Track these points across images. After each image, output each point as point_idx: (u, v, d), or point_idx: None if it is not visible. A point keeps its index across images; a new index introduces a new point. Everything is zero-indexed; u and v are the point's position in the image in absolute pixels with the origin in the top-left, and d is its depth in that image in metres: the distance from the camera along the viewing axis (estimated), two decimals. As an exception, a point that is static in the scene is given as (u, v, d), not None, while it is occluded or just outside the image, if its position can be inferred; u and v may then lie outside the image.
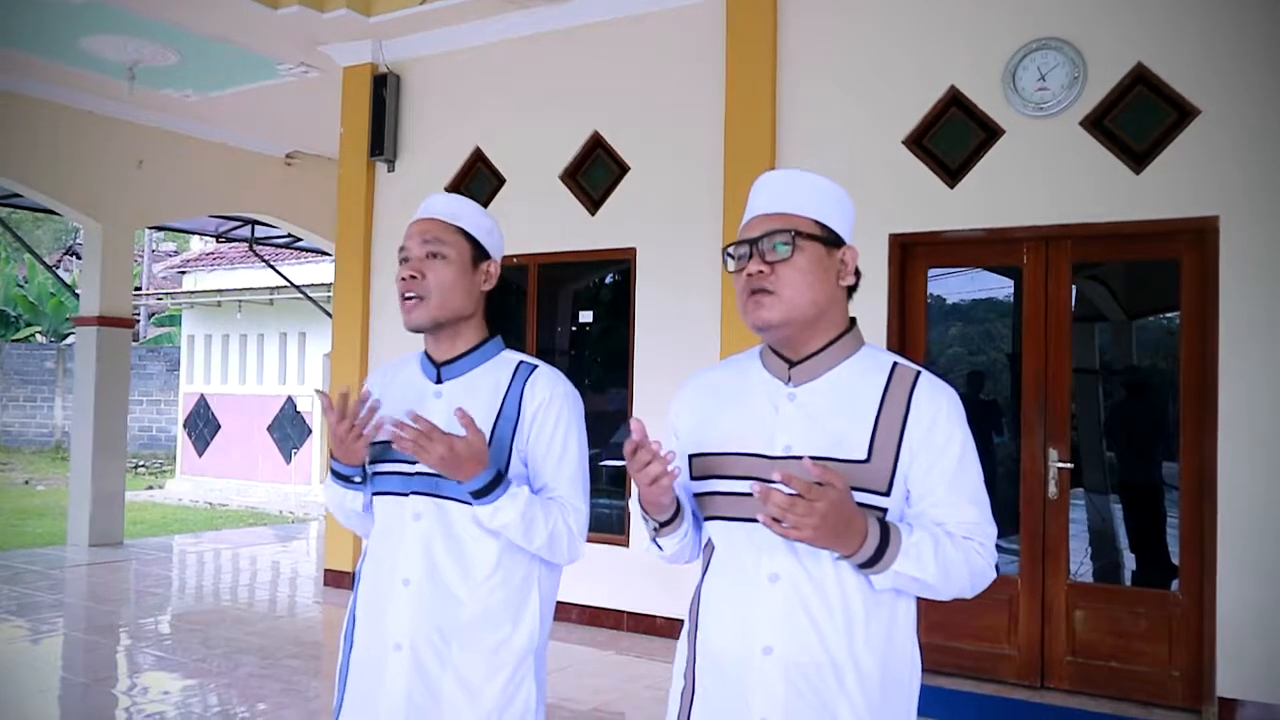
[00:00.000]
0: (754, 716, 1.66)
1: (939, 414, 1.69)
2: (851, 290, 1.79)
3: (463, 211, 2.08)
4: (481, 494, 1.90)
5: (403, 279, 2.02)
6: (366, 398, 1.99)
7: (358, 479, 2.05)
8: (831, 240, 1.73)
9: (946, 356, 5.78)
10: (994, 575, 1.73)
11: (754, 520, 1.64)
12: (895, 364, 1.75)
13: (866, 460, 1.66)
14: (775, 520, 1.55)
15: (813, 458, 1.63)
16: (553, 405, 2.02)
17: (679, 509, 1.76)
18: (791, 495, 1.52)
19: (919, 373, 1.74)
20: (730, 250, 1.75)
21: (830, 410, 1.70)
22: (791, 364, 1.75)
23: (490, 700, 1.95)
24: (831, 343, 1.74)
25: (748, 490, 1.68)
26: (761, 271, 1.69)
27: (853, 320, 1.79)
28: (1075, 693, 5.13)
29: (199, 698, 5.01)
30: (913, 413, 1.68)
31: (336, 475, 2.07)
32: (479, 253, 2.07)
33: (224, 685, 5.18)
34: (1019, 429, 5.36)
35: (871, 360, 1.75)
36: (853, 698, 1.64)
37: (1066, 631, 5.19)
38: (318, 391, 2.06)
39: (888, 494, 1.66)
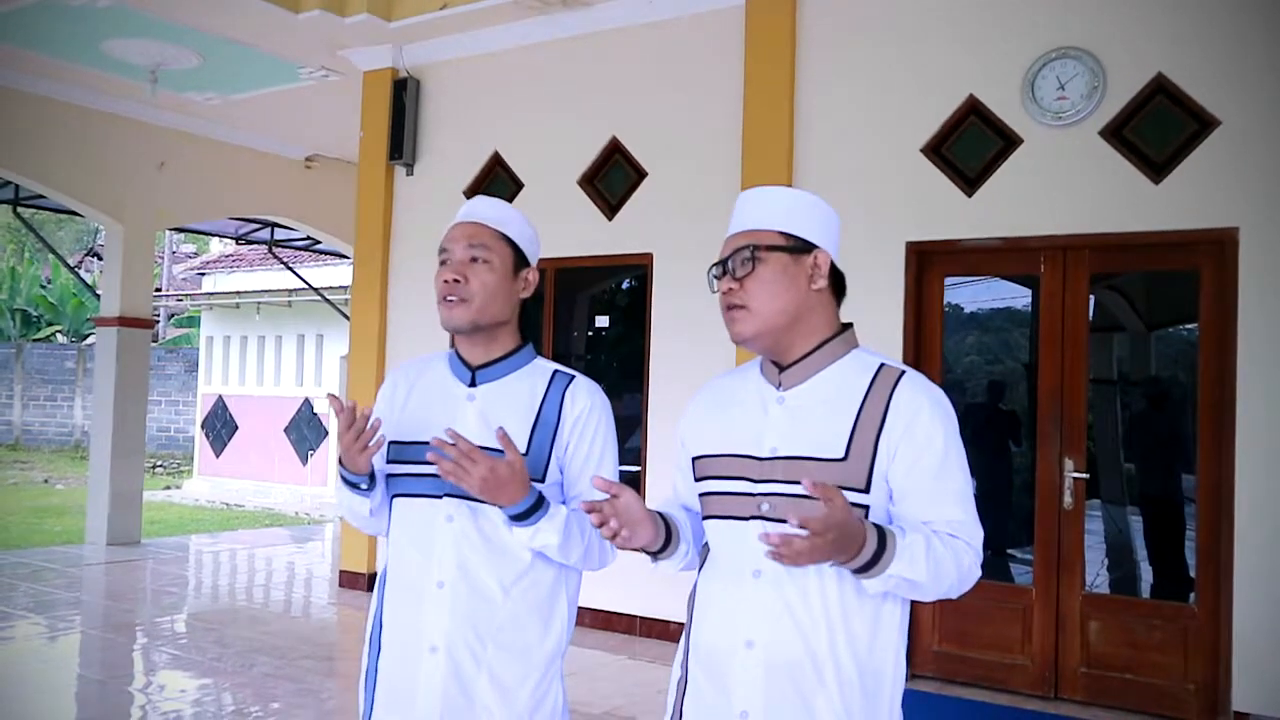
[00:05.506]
0: (735, 709, 1.70)
1: (919, 412, 1.71)
2: (840, 294, 1.83)
3: (508, 218, 2.08)
4: (522, 517, 1.91)
5: (445, 280, 2.01)
6: (379, 426, 1.94)
7: (364, 485, 2.03)
8: (798, 247, 1.77)
9: (962, 365, 5.76)
10: (979, 575, 1.74)
11: (740, 518, 1.72)
12: (882, 365, 1.78)
13: (844, 458, 1.69)
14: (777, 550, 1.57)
15: (794, 458, 1.69)
16: (592, 415, 2.05)
17: (670, 539, 1.82)
18: (789, 535, 1.52)
19: (903, 372, 1.76)
20: (711, 273, 1.82)
21: (815, 411, 1.74)
22: (782, 369, 1.80)
23: (523, 702, 1.96)
24: (819, 347, 1.78)
25: (737, 490, 1.75)
26: (731, 289, 1.76)
27: (846, 325, 1.83)
28: (1088, 704, 5.09)
29: (213, 696, 5.04)
30: (891, 411, 1.71)
31: (344, 480, 2.05)
32: (520, 260, 2.07)
33: (238, 684, 5.21)
34: (1035, 438, 5.34)
35: (860, 362, 1.79)
36: (831, 694, 1.67)
37: (1080, 642, 5.16)
38: (330, 395, 2.03)
39: (867, 491, 1.69)
